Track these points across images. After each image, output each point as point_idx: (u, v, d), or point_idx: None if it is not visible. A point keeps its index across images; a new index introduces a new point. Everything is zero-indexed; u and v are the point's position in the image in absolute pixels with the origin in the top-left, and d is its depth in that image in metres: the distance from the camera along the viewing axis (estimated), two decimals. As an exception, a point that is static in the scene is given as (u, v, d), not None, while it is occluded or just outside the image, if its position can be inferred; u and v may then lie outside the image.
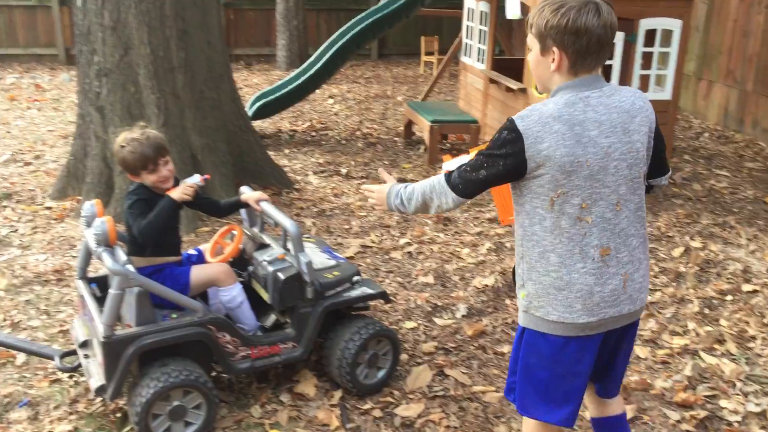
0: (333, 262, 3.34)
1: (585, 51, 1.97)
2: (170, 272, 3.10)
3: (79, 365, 3.14)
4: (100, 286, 3.24)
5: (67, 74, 12.00)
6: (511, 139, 1.98)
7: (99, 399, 3.09)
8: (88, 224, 3.06)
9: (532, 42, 2.07)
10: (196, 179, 3.09)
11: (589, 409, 2.46)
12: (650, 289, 4.31)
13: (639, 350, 3.62)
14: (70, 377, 3.30)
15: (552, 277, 2.05)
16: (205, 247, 3.40)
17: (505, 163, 2.01)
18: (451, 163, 2.68)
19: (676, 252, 4.87)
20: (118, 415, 3.03)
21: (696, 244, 5.00)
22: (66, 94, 10.49)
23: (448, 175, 2.16)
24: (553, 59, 2.01)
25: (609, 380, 2.31)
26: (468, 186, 2.11)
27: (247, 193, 3.36)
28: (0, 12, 13.19)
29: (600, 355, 2.17)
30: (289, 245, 3.14)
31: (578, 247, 2.02)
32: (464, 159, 2.55)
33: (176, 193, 3.02)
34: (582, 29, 1.93)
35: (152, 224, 2.96)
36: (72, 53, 12.29)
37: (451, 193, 2.14)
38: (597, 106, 2.00)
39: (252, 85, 11.67)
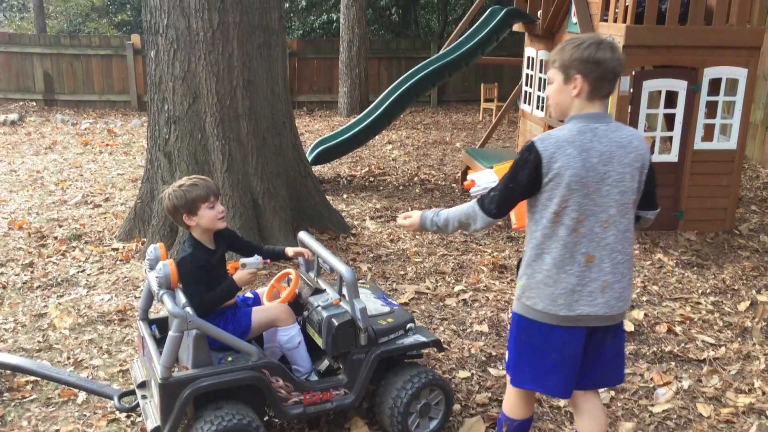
0: (387, 309, 3.35)
1: (603, 78, 2.36)
2: (231, 315, 3.16)
3: (137, 405, 3.21)
4: (160, 327, 3.32)
5: (138, 120, 12.50)
6: (531, 158, 2.35)
7: (155, 439, 3.14)
8: (151, 267, 3.16)
9: (554, 75, 2.45)
10: (257, 263, 3.16)
11: (577, 425, 2.71)
12: (714, 344, 4.18)
13: (701, 408, 3.49)
14: (128, 417, 3.37)
15: (544, 275, 2.43)
16: (262, 291, 3.46)
17: (527, 178, 2.37)
18: (474, 174, 2.95)
19: (742, 306, 4.70)
20: (173, 456, 3.07)
21: (763, 298, 4.82)
22: (136, 139, 10.93)
23: (481, 202, 2.52)
24: (575, 86, 2.38)
25: (602, 372, 2.58)
26: (500, 207, 2.48)
27: (288, 248, 3.44)
28: (78, 60, 13.93)
29: (587, 350, 2.51)
30: (345, 291, 3.17)
31: (569, 252, 2.40)
32: (488, 171, 2.92)
33: (240, 280, 3.11)
34: (601, 60, 2.34)
35: (213, 302, 3.08)
36: (144, 100, 12.85)
37: (486, 218, 2.52)
38: (602, 138, 2.37)
39: (313, 130, 11.93)
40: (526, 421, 2.71)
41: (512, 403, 2.71)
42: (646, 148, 2.45)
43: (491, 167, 2.96)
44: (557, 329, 2.46)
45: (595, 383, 2.62)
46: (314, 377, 3.24)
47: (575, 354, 2.48)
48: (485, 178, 2.87)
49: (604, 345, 2.54)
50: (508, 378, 2.69)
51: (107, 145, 10.46)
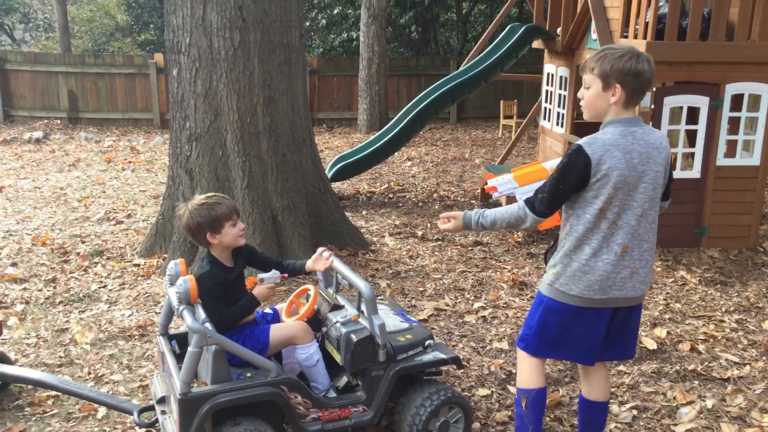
0: (406, 325, 3.34)
1: (639, 89, 2.60)
2: (250, 332, 3.17)
3: (156, 421, 3.22)
4: (180, 342, 3.33)
5: (161, 137, 12.64)
6: (581, 161, 2.56)
7: (174, 455, 3.14)
8: (172, 282, 3.18)
9: (592, 81, 2.64)
10: (275, 278, 3.19)
11: (582, 389, 3.02)
12: (738, 363, 4.11)
13: (726, 428, 3.43)
14: (148, 432, 3.38)
15: (581, 263, 2.67)
16: (281, 307, 3.47)
17: (576, 180, 2.59)
18: (494, 181, 3.15)
19: (767, 324, 4.63)
20: (191, 472, 3.07)
21: (789, 316, 4.74)
22: (159, 156, 11.04)
23: (531, 204, 2.71)
24: (614, 94, 2.60)
25: (621, 347, 2.86)
26: (549, 206, 2.69)
27: (308, 263, 3.40)
28: (102, 79, 14.14)
29: (611, 327, 2.77)
30: (363, 307, 3.17)
31: (606, 243, 2.64)
32: (507, 177, 3.11)
33: (259, 295, 3.16)
34: (640, 72, 2.56)
35: (232, 318, 3.11)
36: (166, 118, 13.00)
37: (536, 218, 2.72)
38: (640, 140, 2.62)
39: (333, 147, 11.98)
40: (542, 390, 2.89)
41: (527, 374, 2.90)
42: (669, 147, 2.72)
43: (510, 172, 3.15)
44: (587, 310, 2.70)
45: (613, 356, 2.91)
46: (332, 394, 3.23)
47: (600, 328, 2.74)
48: (506, 183, 3.06)
49: (628, 322, 2.81)
50: (519, 353, 2.94)
51: (130, 162, 10.58)
